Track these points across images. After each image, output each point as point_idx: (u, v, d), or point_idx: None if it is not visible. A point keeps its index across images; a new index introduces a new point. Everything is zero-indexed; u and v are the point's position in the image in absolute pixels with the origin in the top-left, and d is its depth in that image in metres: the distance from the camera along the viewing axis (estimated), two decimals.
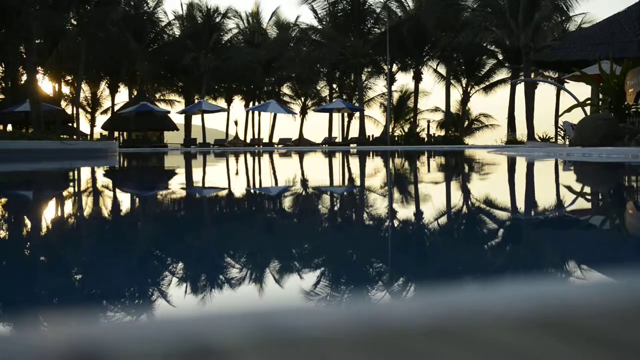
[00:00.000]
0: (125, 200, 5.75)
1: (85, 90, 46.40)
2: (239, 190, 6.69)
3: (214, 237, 3.20)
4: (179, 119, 45.21)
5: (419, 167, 11.58)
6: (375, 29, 42.91)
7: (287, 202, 5.12)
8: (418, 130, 40.05)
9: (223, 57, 42.37)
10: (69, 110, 43.28)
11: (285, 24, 46.47)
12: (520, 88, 38.68)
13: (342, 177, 8.77)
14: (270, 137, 45.74)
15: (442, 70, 44.04)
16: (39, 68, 35.02)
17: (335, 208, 4.78)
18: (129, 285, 2.02)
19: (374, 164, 13.39)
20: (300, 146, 40.07)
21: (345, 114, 43.79)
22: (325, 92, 47.97)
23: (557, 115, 41.11)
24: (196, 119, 44.45)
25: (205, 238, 3.16)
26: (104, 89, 47.45)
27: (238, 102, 49.37)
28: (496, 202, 4.95)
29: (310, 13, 59.09)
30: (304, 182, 7.72)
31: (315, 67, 44.48)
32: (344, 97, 45.75)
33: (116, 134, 41.99)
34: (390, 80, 41.97)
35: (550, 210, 4.19)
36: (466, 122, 46.38)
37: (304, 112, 47.73)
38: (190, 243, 2.96)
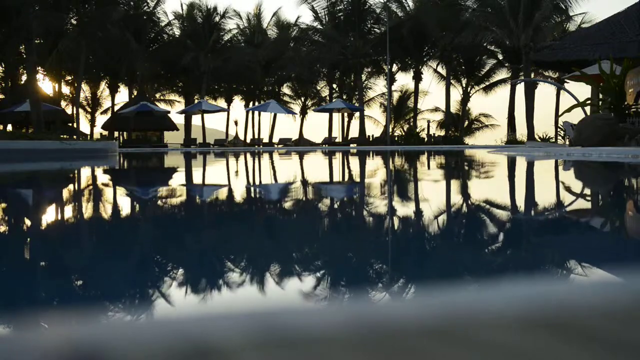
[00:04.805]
0: (125, 200, 5.75)
1: (85, 90, 46.44)
2: (239, 190, 6.69)
3: (214, 237, 3.20)
4: (179, 119, 45.27)
5: (419, 167, 11.58)
6: (375, 29, 42.90)
7: (286, 203, 5.12)
8: (418, 130, 40.05)
9: (223, 57, 42.37)
10: (69, 110, 43.29)
11: (286, 24, 46.49)
12: (520, 88, 38.69)
13: (342, 178, 8.77)
14: (270, 137, 45.75)
15: (442, 70, 44.05)
16: (39, 68, 35.03)
17: (335, 208, 4.78)
18: (128, 285, 2.02)
19: (374, 164, 13.39)
20: (300, 146, 40.07)
21: (345, 114, 43.80)
22: (325, 92, 48.00)
23: (557, 115, 41.13)
24: (196, 119, 44.47)
25: (205, 238, 3.16)
26: (104, 89, 47.51)
27: (238, 102, 49.45)
28: (496, 202, 4.95)
29: (310, 13, 59.03)
30: (304, 182, 7.72)
31: (315, 67, 44.49)
32: (344, 97, 45.76)
33: (116, 134, 42.01)
34: (390, 80, 41.97)
35: (549, 210, 4.18)
36: (466, 122, 46.39)
37: (304, 112, 47.74)
38: (190, 243, 2.96)
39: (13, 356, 0.62)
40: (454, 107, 45.65)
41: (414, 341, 0.67)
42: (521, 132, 38.14)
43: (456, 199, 5.34)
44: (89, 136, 42.98)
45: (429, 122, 42.66)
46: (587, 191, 6.11)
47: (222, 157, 19.31)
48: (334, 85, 46.90)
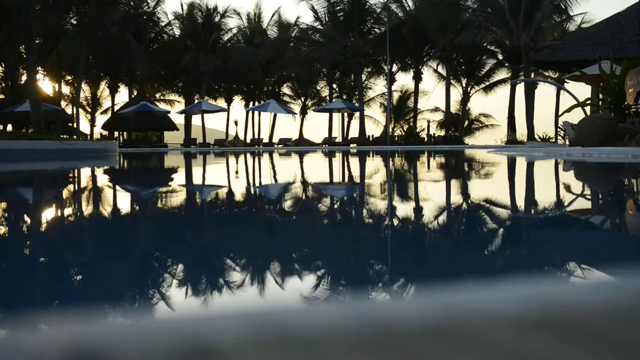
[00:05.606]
0: (125, 201, 5.75)
1: (85, 90, 46.44)
2: (239, 190, 6.69)
3: (214, 237, 3.20)
4: (179, 119, 45.26)
5: (419, 167, 11.58)
6: (375, 29, 42.90)
7: (286, 203, 5.12)
8: (418, 130, 40.04)
9: (223, 57, 42.36)
10: (69, 110, 43.29)
11: (286, 24, 46.49)
12: (520, 88, 38.68)
13: (341, 178, 8.77)
14: (270, 137, 45.75)
15: (442, 70, 44.04)
16: (39, 68, 35.03)
17: (335, 208, 4.78)
18: (128, 285, 2.02)
19: (374, 164, 13.39)
20: (300, 146, 40.06)
21: (345, 114, 43.80)
22: (325, 92, 48.00)
23: (557, 115, 41.13)
24: (196, 119, 44.46)
25: (205, 238, 3.16)
26: (104, 89, 47.50)
27: (238, 102, 49.45)
28: (496, 202, 4.95)
29: (310, 13, 59.05)
30: (304, 182, 7.72)
31: (315, 67, 44.48)
32: (344, 97, 45.75)
33: (116, 134, 42.01)
34: (390, 80, 41.97)
35: (549, 211, 4.18)
36: (466, 122, 46.38)
37: (304, 112, 47.74)
38: (190, 243, 2.96)
39: (13, 356, 0.62)
40: (454, 107, 45.67)
41: (414, 341, 0.67)
42: (521, 132, 38.17)
43: (456, 199, 5.34)
44: (89, 136, 42.98)
45: (429, 122, 42.65)
46: (587, 191, 6.11)
47: (222, 157, 19.30)
48: (334, 85, 46.90)
